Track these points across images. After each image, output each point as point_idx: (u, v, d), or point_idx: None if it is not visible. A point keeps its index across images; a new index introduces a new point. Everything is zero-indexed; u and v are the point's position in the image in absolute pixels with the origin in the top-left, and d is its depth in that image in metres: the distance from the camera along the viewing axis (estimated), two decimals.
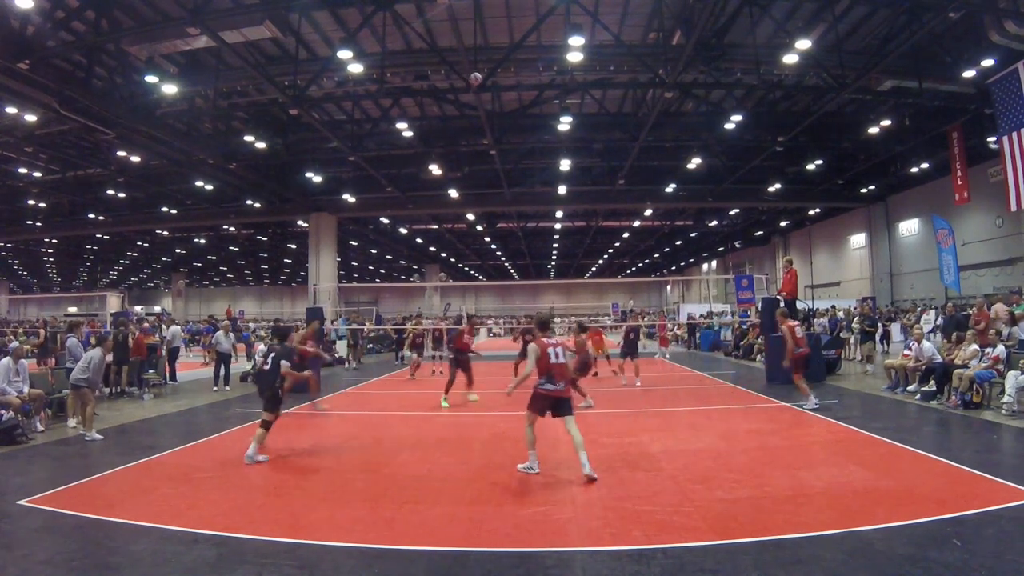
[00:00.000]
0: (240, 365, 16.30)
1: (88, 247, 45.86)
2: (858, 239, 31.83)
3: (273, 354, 7.33)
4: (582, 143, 22.08)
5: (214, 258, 53.34)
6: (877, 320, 16.71)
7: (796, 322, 11.07)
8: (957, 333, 11.32)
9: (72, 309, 57.43)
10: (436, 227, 38.70)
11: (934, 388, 10.28)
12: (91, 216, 30.63)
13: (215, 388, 14.17)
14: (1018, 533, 4.42)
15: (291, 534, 4.68)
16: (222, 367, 14.48)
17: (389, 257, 52.03)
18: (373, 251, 47.61)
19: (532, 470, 6.27)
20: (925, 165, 23.57)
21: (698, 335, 27.28)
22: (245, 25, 12.88)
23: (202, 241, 43.02)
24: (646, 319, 32.20)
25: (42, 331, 14.88)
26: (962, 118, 19.03)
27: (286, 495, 5.83)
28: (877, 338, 16.13)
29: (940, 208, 22.73)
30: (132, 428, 9.55)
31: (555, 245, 48.50)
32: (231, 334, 15.39)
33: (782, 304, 13.12)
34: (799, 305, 15.58)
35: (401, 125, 19.22)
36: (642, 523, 4.82)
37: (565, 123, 19.08)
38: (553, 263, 58.93)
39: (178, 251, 48.09)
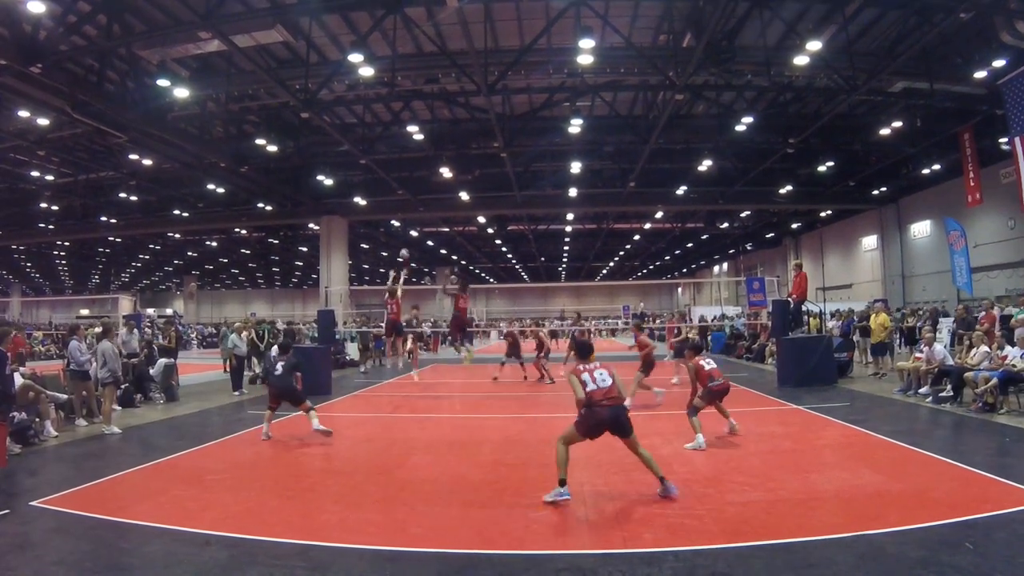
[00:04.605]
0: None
1: (100, 250, 46.27)
2: (870, 241, 31.58)
3: None
4: (593, 146, 22.07)
5: (226, 261, 53.65)
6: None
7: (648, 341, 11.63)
8: (965, 333, 11.20)
9: (84, 312, 57.89)
10: (447, 230, 38.76)
11: (950, 392, 10.15)
12: (103, 219, 30.88)
13: (236, 393, 13.80)
14: None
15: (303, 536, 4.69)
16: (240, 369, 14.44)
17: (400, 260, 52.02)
18: (384, 254, 47.72)
19: None
20: (937, 167, 23.32)
21: (709, 337, 27.12)
22: (256, 29, 12.97)
23: (214, 244, 43.31)
24: (657, 321, 32.08)
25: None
26: (974, 119, 18.88)
27: (298, 497, 5.85)
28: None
29: (952, 210, 22.50)
30: (145, 430, 9.63)
31: (566, 248, 48.39)
32: (244, 335, 15.07)
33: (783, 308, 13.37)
34: (809, 308, 15.52)
35: (412, 128, 19.30)
36: (653, 526, 4.81)
37: (576, 126, 19.03)
38: (564, 265, 58.81)
39: (190, 254, 48.44)
